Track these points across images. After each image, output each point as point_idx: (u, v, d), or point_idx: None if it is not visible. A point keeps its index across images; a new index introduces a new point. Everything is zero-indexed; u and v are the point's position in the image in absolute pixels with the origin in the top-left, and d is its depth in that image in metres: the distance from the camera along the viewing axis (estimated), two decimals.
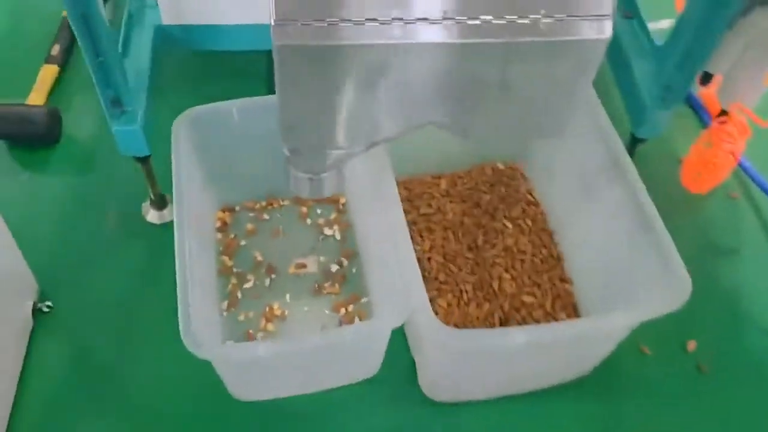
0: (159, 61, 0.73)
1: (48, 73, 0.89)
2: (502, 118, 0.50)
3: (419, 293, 0.54)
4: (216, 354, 0.53)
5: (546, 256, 0.72)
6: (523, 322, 0.68)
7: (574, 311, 0.69)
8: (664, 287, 0.54)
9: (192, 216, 0.60)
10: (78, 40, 0.55)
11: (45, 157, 0.82)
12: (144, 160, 0.68)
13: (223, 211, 0.76)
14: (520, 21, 0.41)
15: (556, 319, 0.68)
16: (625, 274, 0.62)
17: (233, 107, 0.66)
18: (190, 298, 0.53)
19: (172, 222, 0.60)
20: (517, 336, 0.49)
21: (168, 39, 0.77)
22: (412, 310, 0.53)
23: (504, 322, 0.68)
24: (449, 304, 0.68)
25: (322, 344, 0.53)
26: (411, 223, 0.74)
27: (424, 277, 0.68)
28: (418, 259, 0.70)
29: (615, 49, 0.72)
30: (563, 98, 0.47)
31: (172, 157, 0.62)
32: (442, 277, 0.70)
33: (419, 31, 0.40)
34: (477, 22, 0.41)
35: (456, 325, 0.67)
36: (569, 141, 0.69)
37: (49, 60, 0.90)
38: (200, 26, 0.78)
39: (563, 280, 0.71)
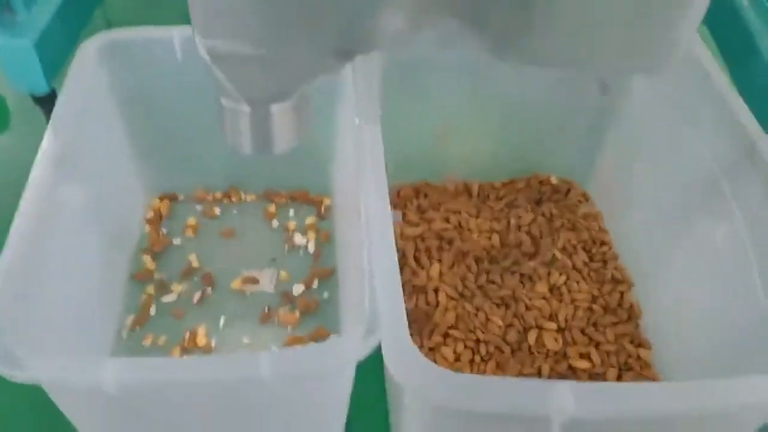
0: None
1: None
2: (565, 21, 0.29)
3: (394, 313, 0.31)
4: (33, 373, 0.30)
5: (613, 306, 0.48)
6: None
7: None
8: None
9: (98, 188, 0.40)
10: None
11: None
12: (44, 102, 0.48)
13: (161, 199, 0.55)
14: None
15: None
16: (745, 347, 0.37)
17: (174, 35, 0.46)
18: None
19: None
20: (563, 393, 0.25)
21: None
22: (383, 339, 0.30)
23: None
24: (458, 359, 0.45)
25: (219, 376, 0.30)
26: (418, 240, 0.51)
27: (424, 315, 0.45)
28: (422, 290, 0.47)
29: (736, 31, 0.50)
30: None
31: (61, 93, 0.42)
32: (451, 317, 0.46)
33: None
34: None
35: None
36: (660, 134, 0.46)
37: None
38: None
39: (638, 343, 0.46)
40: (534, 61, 0.32)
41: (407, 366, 0.28)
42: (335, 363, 0.30)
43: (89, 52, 0.45)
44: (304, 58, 0.32)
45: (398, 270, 0.33)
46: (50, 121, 0.41)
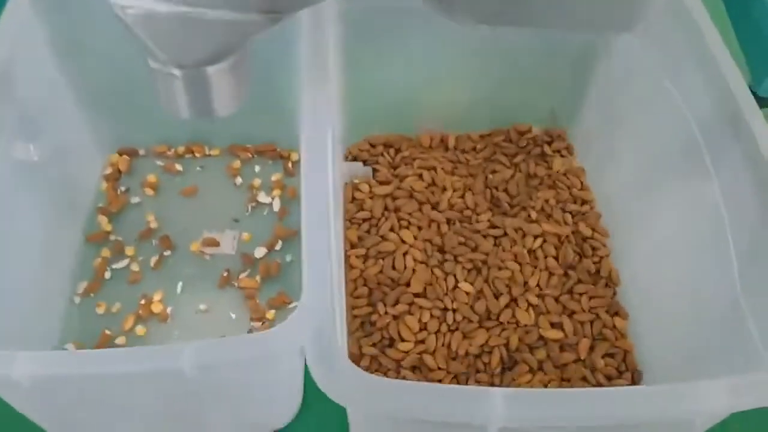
0: None
1: None
2: None
3: (320, 309, 0.28)
4: None
5: (591, 271, 0.45)
6: (537, 371, 0.41)
7: (624, 364, 0.42)
8: None
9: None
10: None
11: None
12: None
13: (120, 154, 0.52)
14: None
15: (593, 372, 0.41)
16: (728, 320, 0.35)
17: None
18: None
19: None
20: (494, 401, 0.23)
21: None
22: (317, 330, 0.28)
23: (507, 367, 0.41)
24: (424, 328, 0.42)
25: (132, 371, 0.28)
26: (388, 200, 0.48)
27: (392, 281, 0.43)
28: (390, 254, 0.45)
29: None
30: None
31: None
32: (418, 284, 0.44)
33: None
34: None
35: (427, 366, 0.41)
36: (643, 89, 0.42)
37: None
38: None
39: (615, 312, 0.43)
40: (494, 21, 0.28)
41: (332, 374, 0.25)
42: (261, 354, 0.28)
43: (21, 2, 0.41)
44: (227, 16, 0.28)
45: (331, 260, 0.30)
46: None
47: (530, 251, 0.46)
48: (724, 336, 0.32)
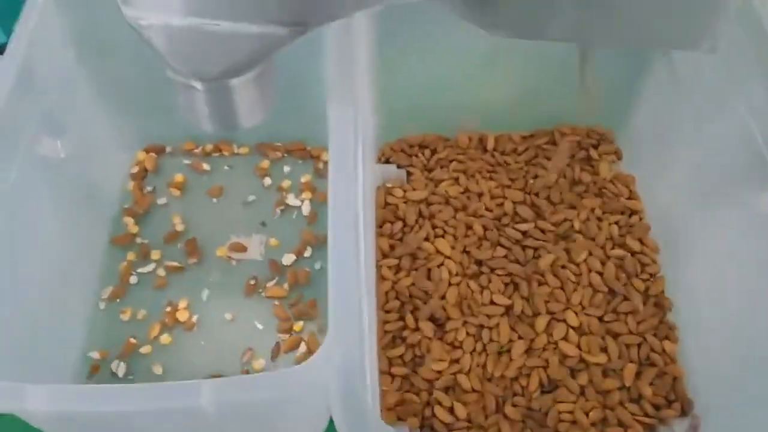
0: None
1: None
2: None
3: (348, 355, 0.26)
4: None
5: (640, 290, 0.42)
6: (580, 397, 0.39)
7: (673, 392, 0.39)
8: None
9: None
10: None
11: None
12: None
13: (147, 152, 0.51)
14: None
15: (638, 401, 0.38)
16: None
17: None
18: None
19: None
20: None
21: None
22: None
23: (547, 390, 0.39)
24: (459, 346, 0.40)
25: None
26: (422, 205, 0.46)
27: (425, 294, 0.41)
28: (425, 267, 0.43)
29: None
30: None
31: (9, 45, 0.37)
32: (452, 299, 0.41)
33: None
34: None
35: (462, 387, 0.39)
36: (699, 94, 0.39)
37: None
38: None
39: (665, 335, 0.41)
40: (539, 37, 0.25)
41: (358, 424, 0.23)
42: (281, 396, 0.26)
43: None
44: (248, 30, 0.26)
45: (360, 292, 0.28)
46: None
47: (573, 265, 0.43)
48: None
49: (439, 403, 0.39)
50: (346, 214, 0.31)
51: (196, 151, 0.51)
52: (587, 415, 0.38)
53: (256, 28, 0.25)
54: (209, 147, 0.51)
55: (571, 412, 0.38)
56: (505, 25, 0.25)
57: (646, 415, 0.38)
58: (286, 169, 0.50)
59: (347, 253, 0.30)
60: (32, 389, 0.26)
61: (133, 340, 0.42)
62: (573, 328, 0.40)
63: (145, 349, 0.42)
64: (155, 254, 0.46)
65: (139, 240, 0.47)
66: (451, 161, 0.48)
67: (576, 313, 0.41)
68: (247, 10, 0.25)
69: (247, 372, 0.41)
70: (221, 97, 0.29)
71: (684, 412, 0.38)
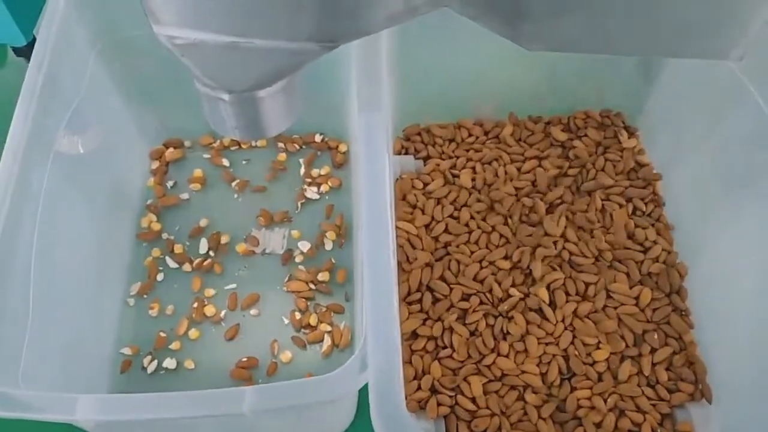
0: None
1: None
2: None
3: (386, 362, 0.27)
4: None
5: (656, 279, 0.43)
6: (598, 383, 0.40)
7: (692, 377, 0.40)
8: None
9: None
10: None
11: None
12: (25, 53, 0.44)
13: (166, 146, 0.51)
14: None
15: (653, 388, 0.40)
16: None
17: None
18: None
19: None
20: None
21: None
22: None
23: (567, 378, 0.40)
24: (476, 331, 0.41)
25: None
26: (443, 195, 0.47)
27: (446, 285, 0.42)
28: (445, 259, 0.43)
29: None
30: None
31: (37, 43, 0.37)
32: (471, 290, 0.42)
33: None
34: None
35: (483, 376, 0.40)
36: (719, 87, 0.39)
37: None
38: None
39: (682, 322, 0.42)
40: (567, 49, 0.26)
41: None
42: (321, 397, 0.27)
43: (59, 1, 0.40)
44: (280, 46, 0.26)
45: (395, 299, 0.29)
46: (26, 77, 0.37)
47: (593, 256, 0.44)
48: None
49: (462, 393, 0.40)
50: (380, 233, 0.32)
51: (214, 144, 0.51)
52: (605, 401, 0.39)
53: (290, 45, 0.26)
54: (227, 140, 0.52)
55: (589, 398, 0.39)
56: (539, 40, 0.25)
57: (660, 399, 0.39)
58: (304, 161, 0.51)
59: (383, 264, 0.30)
60: (83, 400, 0.27)
61: (162, 335, 0.44)
62: (577, 318, 0.41)
63: (174, 345, 0.43)
64: (179, 248, 0.47)
65: (164, 236, 0.48)
66: (468, 150, 0.49)
67: (592, 302, 0.42)
68: (282, 29, 0.25)
69: (276, 364, 0.42)
70: (249, 107, 0.30)
71: (696, 394, 0.39)
